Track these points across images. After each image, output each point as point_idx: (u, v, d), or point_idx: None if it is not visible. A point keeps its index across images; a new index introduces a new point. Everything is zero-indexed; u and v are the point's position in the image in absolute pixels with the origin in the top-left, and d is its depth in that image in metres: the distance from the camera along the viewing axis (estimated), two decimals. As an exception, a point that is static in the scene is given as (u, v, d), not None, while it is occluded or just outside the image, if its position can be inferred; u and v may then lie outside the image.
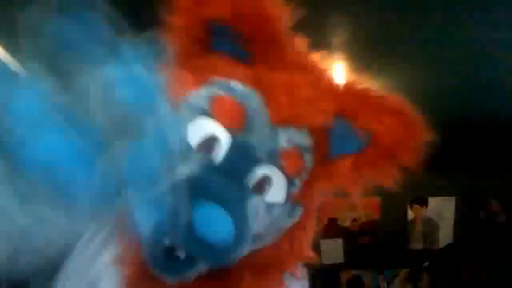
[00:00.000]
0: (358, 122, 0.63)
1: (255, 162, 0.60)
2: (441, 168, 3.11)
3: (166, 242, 0.55)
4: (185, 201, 0.53)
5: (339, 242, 3.41)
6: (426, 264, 3.43)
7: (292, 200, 0.64)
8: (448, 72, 2.26)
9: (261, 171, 0.60)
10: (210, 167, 0.58)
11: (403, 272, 3.45)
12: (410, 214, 3.45)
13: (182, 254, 0.56)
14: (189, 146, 0.58)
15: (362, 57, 2.10)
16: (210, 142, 0.59)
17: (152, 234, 0.54)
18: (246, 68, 0.62)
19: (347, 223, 3.41)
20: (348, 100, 0.65)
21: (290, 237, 0.67)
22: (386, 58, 2.12)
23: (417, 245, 3.47)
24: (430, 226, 3.46)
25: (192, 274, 0.57)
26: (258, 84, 0.61)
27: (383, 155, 0.65)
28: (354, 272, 3.43)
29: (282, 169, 0.61)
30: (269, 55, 0.63)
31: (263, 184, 0.61)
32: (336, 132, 0.64)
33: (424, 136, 0.66)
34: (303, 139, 0.63)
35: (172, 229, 0.53)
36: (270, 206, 0.62)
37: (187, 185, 0.54)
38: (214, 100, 0.60)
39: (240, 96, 0.60)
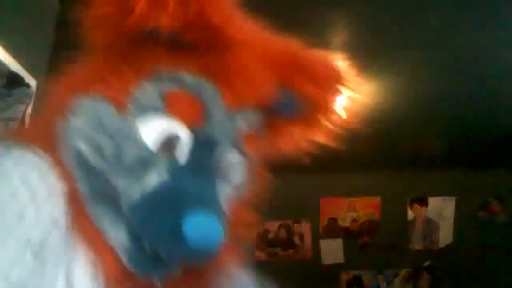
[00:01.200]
0: (294, 86, 0.65)
1: (219, 152, 0.60)
2: (441, 168, 3.11)
3: (146, 244, 0.55)
4: (169, 210, 0.53)
5: (339, 242, 3.41)
6: (426, 264, 3.44)
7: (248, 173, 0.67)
8: (449, 73, 2.26)
9: (225, 159, 0.60)
10: (178, 169, 0.57)
11: (403, 272, 3.45)
12: (410, 214, 3.45)
13: (161, 253, 0.56)
14: (148, 150, 0.56)
15: (362, 58, 2.10)
16: (170, 142, 0.57)
17: (131, 242, 0.55)
18: (190, 55, 0.59)
19: (347, 223, 3.41)
20: (287, 68, 0.66)
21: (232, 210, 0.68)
22: (388, 59, 2.12)
23: (417, 245, 3.46)
24: (430, 226, 3.45)
25: (170, 272, 0.57)
26: (206, 71, 0.59)
27: (319, 115, 0.69)
28: (354, 272, 3.43)
29: (243, 152, 0.62)
30: (213, 43, 0.59)
31: (228, 171, 0.61)
32: (282, 98, 0.65)
33: (354, 89, 0.72)
34: (257, 118, 0.63)
35: (157, 241, 0.54)
36: (234, 187, 0.63)
37: (166, 194, 0.55)
38: (167, 96, 0.57)
39: (193, 88, 0.58)
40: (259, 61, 0.62)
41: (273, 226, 3.35)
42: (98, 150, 0.56)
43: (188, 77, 0.58)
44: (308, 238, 3.37)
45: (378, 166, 2.97)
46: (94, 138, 0.56)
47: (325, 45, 2.07)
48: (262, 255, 3.34)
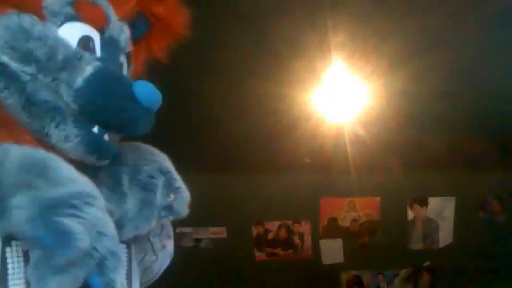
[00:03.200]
0: (149, 12, 0.80)
1: (121, 51, 0.74)
2: (441, 168, 3.11)
3: (95, 129, 0.66)
4: (118, 81, 0.67)
5: (339, 242, 3.40)
6: (426, 264, 3.43)
7: None
8: (449, 73, 2.26)
9: (122, 58, 0.75)
10: (100, 61, 0.68)
11: (403, 272, 3.45)
12: (410, 214, 3.45)
13: (106, 137, 0.69)
14: (73, 47, 0.66)
15: (363, 58, 2.10)
16: (85, 43, 0.68)
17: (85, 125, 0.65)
18: None
19: (347, 223, 3.41)
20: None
21: None
22: (387, 59, 2.12)
23: (417, 245, 3.46)
24: (430, 226, 3.45)
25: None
26: None
27: (165, 30, 0.83)
28: (354, 272, 3.43)
29: (127, 55, 0.77)
30: None
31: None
32: (138, 22, 0.80)
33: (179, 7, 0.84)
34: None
35: (115, 108, 0.65)
36: None
37: (108, 72, 0.67)
38: (76, 4, 0.67)
39: None
40: None
41: (273, 225, 3.35)
42: (27, 55, 0.63)
43: None
44: (308, 238, 3.37)
45: (379, 166, 2.97)
46: (22, 46, 0.63)
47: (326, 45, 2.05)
48: (262, 255, 3.34)
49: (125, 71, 0.76)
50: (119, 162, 0.74)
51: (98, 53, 0.69)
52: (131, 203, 0.72)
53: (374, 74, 2.22)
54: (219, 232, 3.26)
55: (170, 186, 0.77)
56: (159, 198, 0.75)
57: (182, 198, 0.79)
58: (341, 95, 2.35)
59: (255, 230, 3.33)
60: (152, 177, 0.75)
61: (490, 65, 2.21)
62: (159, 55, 0.86)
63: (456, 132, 2.72)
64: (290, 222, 3.36)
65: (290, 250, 3.38)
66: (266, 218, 3.33)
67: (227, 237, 3.25)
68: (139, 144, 0.82)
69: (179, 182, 0.79)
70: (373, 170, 3.00)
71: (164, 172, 0.77)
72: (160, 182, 0.76)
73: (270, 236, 3.35)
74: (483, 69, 2.23)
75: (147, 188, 0.74)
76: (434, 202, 3.44)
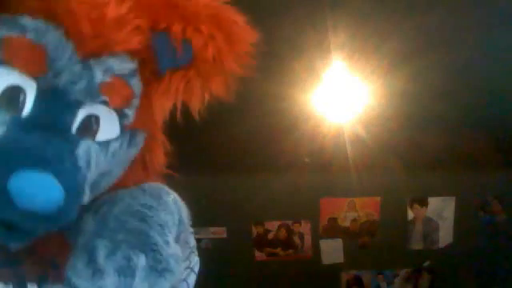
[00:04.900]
0: (175, 33, 0.59)
1: (72, 105, 0.54)
2: (441, 168, 3.11)
3: None
4: None
5: (339, 242, 3.40)
6: (426, 264, 3.43)
7: (129, 129, 0.60)
8: (449, 73, 2.26)
9: (83, 113, 0.55)
10: (19, 123, 0.51)
11: (403, 272, 3.45)
12: (410, 214, 3.45)
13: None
14: None
15: (363, 58, 2.10)
16: (11, 95, 0.51)
17: None
18: None
19: (347, 223, 3.41)
20: (161, 11, 0.59)
21: (140, 160, 0.65)
22: (388, 59, 2.12)
23: (417, 245, 3.46)
24: (430, 226, 3.45)
25: (34, 236, 0.53)
26: (52, 15, 0.53)
27: (211, 65, 0.63)
28: (354, 272, 3.43)
29: (106, 104, 0.56)
30: None
31: (90, 125, 0.56)
32: (159, 46, 0.60)
33: (247, 38, 0.65)
34: (123, 65, 0.57)
35: None
36: (104, 145, 0.57)
37: None
38: (4, 44, 0.51)
39: (34, 33, 0.52)
40: (122, 0, 0.56)
41: (273, 225, 3.35)
42: None
43: (29, 21, 0.52)
44: (308, 238, 3.37)
45: (379, 166, 2.97)
46: None
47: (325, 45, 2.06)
48: (261, 255, 3.34)
49: (103, 126, 0.57)
50: (98, 229, 0.55)
51: (28, 107, 0.52)
52: (108, 282, 0.54)
53: (374, 73, 2.22)
54: (219, 232, 3.26)
55: (153, 267, 0.56)
56: (138, 283, 0.55)
57: (164, 282, 0.56)
58: (341, 95, 2.36)
59: (255, 230, 3.33)
60: (129, 259, 0.54)
61: (490, 65, 2.21)
62: (202, 95, 0.66)
63: (456, 132, 2.72)
64: (290, 222, 3.36)
65: (290, 250, 3.38)
66: (266, 218, 3.32)
67: (227, 237, 3.25)
68: (134, 198, 0.58)
69: (167, 259, 0.56)
70: (373, 169, 3.00)
71: (148, 249, 0.55)
72: (140, 263, 0.54)
73: (270, 236, 3.35)
74: (483, 69, 2.23)
75: (123, 272, 0.54)
76: (433, 201, 3.44)
